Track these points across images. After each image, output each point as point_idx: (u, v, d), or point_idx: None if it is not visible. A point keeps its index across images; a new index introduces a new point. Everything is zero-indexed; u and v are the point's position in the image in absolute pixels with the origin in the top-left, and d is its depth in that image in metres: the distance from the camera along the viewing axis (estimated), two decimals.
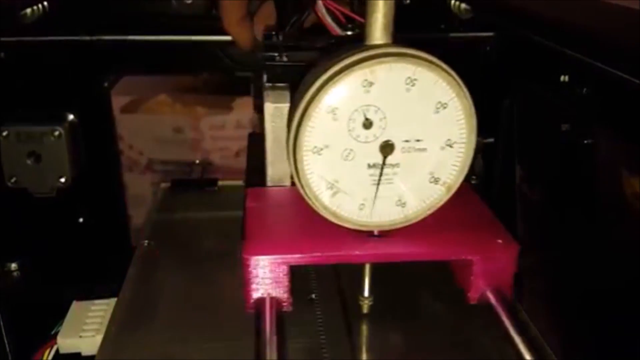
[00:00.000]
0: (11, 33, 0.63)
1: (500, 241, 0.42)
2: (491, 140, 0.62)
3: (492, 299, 0.42)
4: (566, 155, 0.52)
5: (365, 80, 0.37)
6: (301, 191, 0.40)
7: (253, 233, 0.42)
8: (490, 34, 0.64)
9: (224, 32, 0.63)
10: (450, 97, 0.38)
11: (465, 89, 0.38)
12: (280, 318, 0.40)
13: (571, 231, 0.51)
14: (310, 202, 0.40)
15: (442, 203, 0.41)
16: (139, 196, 1.26)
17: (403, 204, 0.41)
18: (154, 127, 1.38)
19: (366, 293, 0.48)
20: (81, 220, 0.72)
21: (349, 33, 0.47)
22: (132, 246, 0.69)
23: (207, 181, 0.71)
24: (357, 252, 0.41)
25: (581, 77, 0.48)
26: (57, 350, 0.57)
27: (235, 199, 0.68)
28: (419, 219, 0.42)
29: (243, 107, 1.40)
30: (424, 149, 0.39)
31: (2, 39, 0.63)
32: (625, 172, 0.44)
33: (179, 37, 0.67)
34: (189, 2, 0.67)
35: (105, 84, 0.71)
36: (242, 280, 0.41)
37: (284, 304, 0.41)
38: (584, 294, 0.49)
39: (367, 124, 0.38)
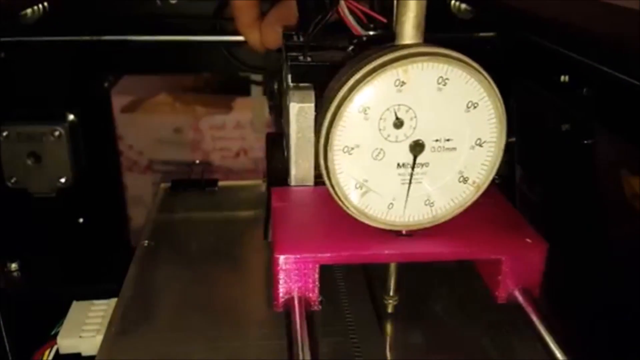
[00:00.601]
0: (11, 33, 0.63)
1: (529, 240, 0.42)
2: (512, 139, 0.62)
3: (521, 299, 0.42)
4: (566, 156, 0.52)
5: (398, 79, 0.37)
6: (330, 191, 0.40)
7: (282, 232, 0.42)
8: (491, 34, 0.64)
9: (227, 33, 0.63)
10: (481, 96, 0.38)
11: (496, 88, 0.38)
12: (311, 317, 0.40)
13: (571, 231, 0.51)
14: (339, 202, 0.40)
15: (470, 202, 0.41)
16: (139, 196, 1.26)
17: (432, 204, 0.41)
18: (154, 127, 1.38)
19: (391, 292, 0.48)
20: (81, 220, 0.73)
21: (371, 33, 0.47)
22: (132, 246, 0.69)
23: (207, 181, 0.70)
24: (386, 252, 0.41)
25: (581, 77, 0.48)
26: (57, 351, 0.57)
27: (236, 200, 0.68)
28: (448, 218, 0.42)
29: (243, 108, 1.40)
30: (453, 149, 0.39)
31: (3, 39, 0.63)
32: (625, 172, 0.44)
33: (180, 37, 0.67)
34: (174, 2, 0.67)
35: (106, 84, 0.71)
36: (271, 279, 0.41)
37: (313, 303, 0.41)
38: (583, 293, 0.49)
39: (398, 124, 0.38)
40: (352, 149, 0.39)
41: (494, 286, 0.43)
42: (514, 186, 0.60)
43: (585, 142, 0.48)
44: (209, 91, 1.47)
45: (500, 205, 0.46)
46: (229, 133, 1.40)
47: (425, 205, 0.41)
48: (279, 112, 0.60)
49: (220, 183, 0.71)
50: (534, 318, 0.40)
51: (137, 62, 0.69)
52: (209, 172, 1.23)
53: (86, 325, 0.57)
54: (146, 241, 0.59)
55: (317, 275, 0.40)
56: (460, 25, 0.64)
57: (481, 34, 0.64)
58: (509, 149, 0.62)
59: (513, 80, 0.60)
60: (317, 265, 0.40)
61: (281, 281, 0.40)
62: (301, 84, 0.46)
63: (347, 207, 0.40)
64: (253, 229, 0.61)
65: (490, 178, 0.41)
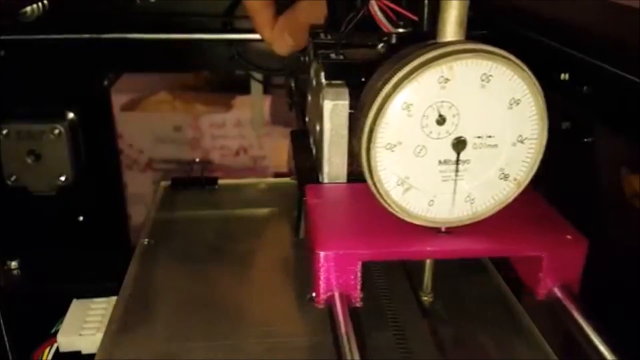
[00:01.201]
0: (11, 31, 0.63)
1: (569, 237, 0.42)
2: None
3: (561, 296, 0.41)
4: (566, 154, 0.52)
5: (442, 76, 0.37)
6: (372, 188, 0.40)
7: (322, 229, 0.42)
8: (489, 32, 0.64)
9: (237, 31, 0.63)
10: (523, 93, 0.38)
11: (538, 85, 0.38)
12: (355, 313, 0.40)
13: None
14: (380, 199, 0.40)
15: (511, 199, 0.41)
16: (139, 195, 1.26)
17: (472, 200, 0.41)
18: (154, 126, 1.38)
19: (428, 289, 0.48)
20: (81, 218, 0.73)
21: (400, 30, 0.47)
22: (132, 245, 0.69)
23: (207, 180, 0.70)
24: (429, 249, 0.41)
25: (581, 75, 0.48)
26: (57, 349, 0.57)
27: (235, 198, 0.68)
28: (488, 215, 0.41)
29: (243, 106, 1.40)
30: (495, 145, 0.39)
31: (2, 37, 0.63)
32: (626, 170, 0.45)
33: (180, 35, 0.67)
34: (153, 0, 0.67)
35: (105, 82, 0.71)
36: (312, 276, 0.41)
37: (355, 299, 0.41)
38: (583, 291, 0.49)
39: (441, 121, 0.38)
40: (395, 145, 0.39)
41: (533, 283, 0.42)
42: None
43: (585, 140, 0.48)
44: (208, 89, 1.47)
45: (536, 202, 0.45)
46: (228, 131, 1.40)
47: (466, 202, 0.41)
48: (301, 109, 0.60)
49: (220, 181, 0.71)
50: (576, 314, 0.40)
51: (136, 60, 0.69)
52: (209, 171, 1.23)
53: (86, 324, 0.57)
54: (146, 239, 0.59)
55: (359, 272, 0.40)
56: None
57: (479, 32, 0.64)
58: None
59: None
60: (359, 262, 0.40)
61: (322, 277, 0.40)
62: (334, 82, 0.46)
63: (389, 204, 0.40)
64: (253, 227, 0.61)
65: (531, 175, 0.41)
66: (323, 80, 0.46)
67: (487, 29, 0.64)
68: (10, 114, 0.66)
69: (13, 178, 0.66)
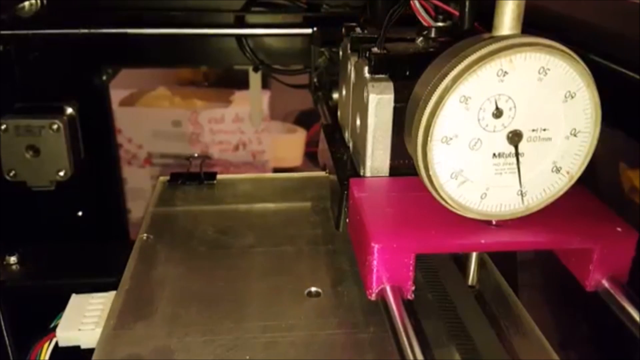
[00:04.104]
0: (9, 26, 0.63)
1: (619, 229, 0.42)
2: None
3: (611, 288, 0.41)
4: None
5: (501, 69, 0.37)
6: (425, 181, 0.40)
7: (374, 222, 0.42)
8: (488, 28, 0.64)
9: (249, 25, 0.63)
10: (579, 86, 0.38)
11: (593, 79, 0.38)
12: (410, 305, 0.40)
13: None
14: (434, 192, 0.40)
15: (562, 192, 0.41)
16: (138, 189, 1.26)
17: (525, 193, 0.41)
18: (153, 121, 1.38)
19: (473, 282, 0.48)
20: (80, 213, 0.73)
21: (440, 24, 0.47)
22: (131, 239, 0.69)
23: (206, 175, 0.70)
24: (483, 241, 0.41)
25: None
26: (57, 344, 0.57)
27: (234, 193, 0.68)
28: (540, 208, 0.41)
29: (242, 101, 1.40)
30: (549, 138, 0.39)
31: (1, 32, 0.63)
32: (624, 165, 0.45)
33: (178, 30, 0.67)
34: None
35: (104, 77, 0.71)
36: (365, 269, 0.41)
37: (407, 292, 0.41)
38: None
39: (498, 114, 0.38)
40: (451, 139, 0.39)
41: (582, 275, 0.42)
42: None
43: None
44: (206, 84, 1.47)
45: (584, 195, 0.45)
46: (227, 126, 1.40)
47: (518, 195, 0.41)
48: (326, 104, 0.60)
49: (219, 176, 0.71)
50: (627, 305, 0.40)
51: (135, 56, 0.69)
52: (208, 165, 1.23)
53: (85, 318, 0.57)
54: (145, 234, 0.59)
55: (412, 265, 0.40)
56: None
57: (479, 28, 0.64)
58: None
59: None
60: (413, 254, 0.40)
61: (376, 270, 0.40)
62: (379, 76, 0.46)
63: (442, 198, 0.40)
64: (252, 222, 0.61)
65: (583, 168, 0.41)
66: (367, 75, 0.46)
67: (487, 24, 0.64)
68: (9, 109, 0.65)
69: (12, 173, 0.66)
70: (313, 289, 0.51)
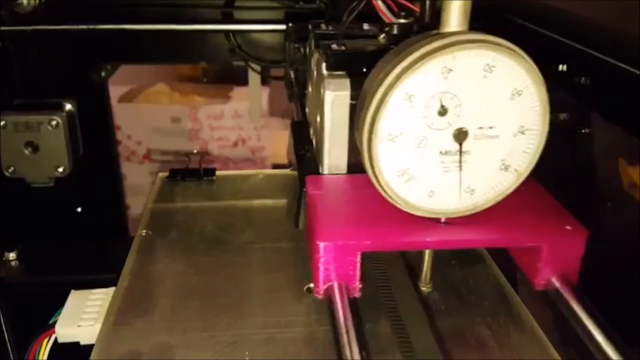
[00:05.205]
0: (8, 23, 0.63)
1: (569, 227, 0.42)
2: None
3: (560, 286, 0.41)
4: (564, 145, 0.52)
5: (445, 67, 0.37)
6: (372, 179, 0.40)
7: (322, 220, 0.42)
8: (487, 23, 0.63)
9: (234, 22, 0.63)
10: (526, 83, 0.38)
11: (540, 76, 0.38)
12: (353, 304, 0.40)
13: None
14: (381, 190, 0.40)
15: (511, 190, 0.41)
16: (137, 186, 1.26)
17: (472, 191, 0.41)
18: (151, 117, 1.38)
19: (427, 279, 0.48)
20: (79, 209, 0.73)
21: (402, 21, 0.47)
22: (131, 236, 0.69)
23: (205, 171, 0.70)
24: (428, 239, 0.41)
25: (579, 66, 0.48)
26: (56, 340, 0.57)
27: (233, 189, 0.68)
28: (488, 206, 0.41)
29: (241, 97, 1.40)
30: (496, 136, 0.39)
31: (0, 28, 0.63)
32: (623, 161, 0.45)
33: (176, 26, 0.67)
34: None
35: (103, 74, 0.70)
36: (313, 266, 0.41)
37: (354, 290, 0.41)
38: (579, 282, 0.49)
39: (443, 111, 0.38)
40: (396, 136, 0.38)
41: (531, 273, 0.42)
42: None
43: (583, 131, 0.48)
44: (205, 80, 1.47)
45: (537, 193, 0.45)
46: (226, 122, 1.40)
47: (466, 193, 0.41)
48: (300, 101, 0.60)
49: (218, 173, 0.71)
50: (574, 305, 0.40)
51: (133, 52, 0.69)
52: (207, 162, 1.23)
53: (84, 314, 0.57)
54: (144, 231, 0.59)
55: (358, 263, 0.40)
56: None
57: (476, 23, 0.64)
58: None
59: None
60: (359, 252, 0.40)
61: (322, 268, 0.40)
62: (336, 72, 0.46)
63: (389, 195, 0.40)
64: (251, 219, 0.61)
65: (532, 166, 0.41)
66: (324, 71, 0.46)
67: (487, 19, 0.64)
68: (8, 105, 0.65)
69: (11, 169, 0.66)
70: (312, 285, 0.51)
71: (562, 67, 0.50)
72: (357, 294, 0.41)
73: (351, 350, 0.36)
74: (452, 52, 0.36)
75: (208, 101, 1.41)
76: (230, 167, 1.43)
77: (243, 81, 1.31)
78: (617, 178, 0.45)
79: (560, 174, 0.53)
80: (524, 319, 0.48)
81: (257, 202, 0.65)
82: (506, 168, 0.40)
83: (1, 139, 0.64)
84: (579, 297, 0.40)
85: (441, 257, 0.53)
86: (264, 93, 1.38)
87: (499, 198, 0.41)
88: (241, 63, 0.75)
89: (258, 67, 0.82)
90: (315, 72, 0.50)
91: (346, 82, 0.45)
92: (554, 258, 0.41)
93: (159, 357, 0.44)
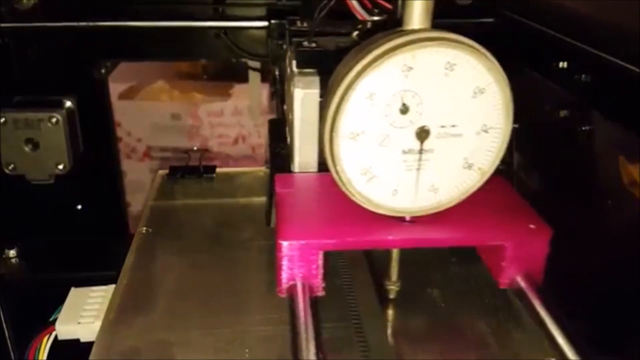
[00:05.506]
0: (8, 19, 0.63)
1: (532, 226, 0.42)
2: (516, 125, 0.62)
3: (524, 285, 0.42)
4: (564, 142, 0.52)
5: (405, 64, 0.37)
6: (335, 177, 0.40)
7: (286, 218, 0.42)
8: (489, 20, 0.63)
9: (227, 18, 0.62)
10: (488, 82, 0.38)
11: (503, 74, 0.38)
12: (314, 303, 0.40)
13: (568, 218, 0.51)
14: (344, 188, 0.40)
15: (475, 189, 0.41)
16: (137, 183, 1.26)
17: (436, 190, 0.41)
18: (152, 114, 1.38)
19: (394, 278, 0.48)
20: (79, 207, 0.72)
21: (375, 18, 0.47)
22: (131, 233, 0.69)
23: (205, 168, 0.70)
24: (390, 238, 0.41)
25: (580, 63, 0.48)
26: (56, 337, 0.57)
27: (234, 186, 0.68)
28: (452, 204, 0.41)
29: (241, 94, 1.40)
30: (459, 135, 0.39)
31: None
32: (623, 159, 0.44)
33: (176, 23, 0.67)
34: None
35: (103, 71, 0.70)
36: (275, 265, 0.41)
37: (316, 289, 0.41)
38: (580, 280, 0.49)
39: (404, 110, 0.38)
40: (358, 135, 0.38)
41: (496, 272, 0.42)
42: (512, 173, 0.60)
43: (583, 128, 0.48)
44: (205, 78, 1.46)
45: (504, 192, 0.45)
46: (227, 120, 1.40)
47: (430, 191, 0.41)
48: (281, 98, 0.60)
49: (218, 170, 0.71)
50: (536, 303, 0.40)
51: (133, 49, 0.69)
52: (207, 159, 1.22)
53: (84, 312, 0.57)
54: (144, 228, 0.59)
55: (320, 262, 0.40)
56: (459, 12, 0.63)
57: (480, 20, 0.64)
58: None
59: (511, 66, 0.59)
60: (321, 252, 0.40)
61: (284, 267, 0.40)
62: (306, 70, 0.46)
63: (352, 194, 0.40)
64: (251, 216, 0.61)
65: (496, 164, 0.41)
66: (294, 69, 0.46)
67: (488, 16, 0.64)
68: (8, 103, 0.65)
69: (11, 167, 0.66)
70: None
71: (563, 65, 0.50)
72: (320, 293, 0.41)
73: (308, 350, 0.36)
74: (411, 50, 0.36)
75: (208, 98, 1.41)
76: (230, 164, 1.43)
77: (243, 78, 1.31)
78: (617, 175, 0.45)
79: (561, 171, 0.53)
80: (524, 318, 0.48)
81: (257, 199, 0.65)
82: (470, 166, 0.40)
83: (1, 136, 0.64)
84: (542, 297, 0.41)
85: (441, 254, 0.53)
86: (264, 90, 1.37)
87: (463, 196, 0.41)
88: (243, 60, 0.74)
89: (257, 64, 0.82)
90: (289, 70, 0.50)
91: (316, 79, 0.45)
92: (518, 257, 0.41)
93: (159, 354, 0.44)
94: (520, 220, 0.42)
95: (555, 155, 0.54)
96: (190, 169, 0.70)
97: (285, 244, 0.40)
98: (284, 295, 0.41)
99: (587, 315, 0.49)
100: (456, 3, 0.63)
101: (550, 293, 0.44)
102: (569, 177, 0.52)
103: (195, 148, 1.38)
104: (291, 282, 0.41)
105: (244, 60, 0.75)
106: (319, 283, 0.41)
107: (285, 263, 0.40)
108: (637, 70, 0.41)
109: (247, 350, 0.44)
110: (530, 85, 0.56)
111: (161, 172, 0.71)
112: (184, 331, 0.46)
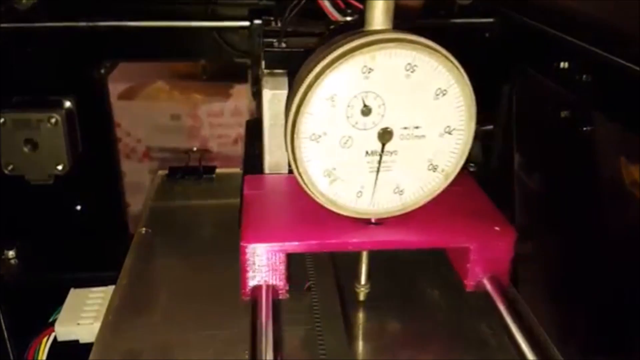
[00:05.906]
0: (7, 20, 0.62)
1: (497, 228, 0.42)
2: (490, 127, 0.62)
3: (489, 287, 0.42)
4: (565, 142, 0.51)
5: (365, 66, 0.36)
6: (298, 179, 0.40)
7: (250, 221, 0.42)
8: (490, 20, 0.63)
9: (219, 18, 0.62)
10: (450, 83, 0.38)
11: (465, 75, 0.38)
12: (277, 305, 0.40)
13: (569, 218, 0.51)
14: (307, 190, 0.40)
15: (440, 190, 0.41)
16: (137, 183, 1.26)
17: (401, 192, 0.41)
18: (151, 114, 1.38)
19: (363, 281, 0.48)
20: (79, 207, 0.72)
21: (348, 19, 0.47)
22: (130, 233, 0.69)
23: (205, 169, 0.70)
24: (354, 240, 0.41)
25: (581, 63, 0.48)
26: (55, 338, 0.57)
27: (233, 187, 0.68)
28: (417, 206, 0.41)
29: (241, 94, 1.40)
30: (422, 136, 0.39)
31: None
32: (624, 159, 0.44)
33: (175, 23, 0.67)
34: None
35: (102, 71, 0.70)
36: (239, 268, 0.41)
37: (281, 291, 0.41)
38: (581, 280, 0.49)
39: (366, 111, 0.38)
40: (320, 136, 0.38)
41: (463, 274, 0.43)
42: (512, 173, 0.60)
43: (584, 129, 0.48)
44: (205, 78, 1.46)
45: (472, 194, 0.46)
46: (226, 120, 1.40)
47: (395, 193, 0.41)
48: (259, 98, 0.60)
49: (218, 170, 0.71)
50: (500, 306, 0.41)
51: (132, 49, 0.68)
52: (207, 159, 1.22)
53: (84, 313, 0.57)
54: (144, 228, 0.59)
55: (284, 264, 0.40)
56: (460, 12, 0.63)
57: (480, 20, 0.64)
58: (487, 136, 0.63)
59: (512, 66, 0.59)
60: (285, 255, 0.40)
61: (248, 269, 0.40)
62: (275, 71, 0.46)
63: (316, 196, 0.40)
64: None
65: (460, 166, 0.41)
66: (263, 69, 0.46)
67: (488, 16, 0.64)
68: (7, 103, 0.65)
69: (10, 167, 0.66)
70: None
71: (564, 65, 0.49)
72: (285, 296, 0.41)
73: (266, 352, 0.36)
74: (371, 51, 0.36)
75: (208, 99, 1.40)
76: (230, 164, 1.43)
77: (243, 79, 1.31)
78: (619, 176, 0.45)
79: (562, 171, 0.53)
80: (524, 318, 0.48)
81: None
82: (434, 168, 0.40)
83: (0, 137, 0.64)
84: (506, 299, 0.41)
85: (440, 256, 0.53)
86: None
87: (428, 198, 0.41)
88: (241, 60, 0.74)
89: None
90: (260, 70, 0.50)
91: (284, 80, 0.45)
92: (483, 259, 0.42)
93: (158, 355, 0.44)
94: (486, 222, 0.42)
95: (556, 156, 0.54)
96: (189, 170, 0.70)
97: (248, 246, 0.40)
98: (247, 297, 0.41)
99: (587, 315, 0.49)
100: (457, 3, 0.63)
101: (518, 295, 0.44)
102: (569, 177, 0.52)
103: (195, 148, 1.38)
104: (255, 285, 0.41)
105: (244, 60, 0.75)
106: (282, 286, 0.41)
107: (249, 266, 0.40)
108: (639, 70, 0.41)
109: (246, 352, 0.44)
110: (531, 86, 0.56)
111: (161, 172, 0.71)
112: (183, 332, 0.46)
